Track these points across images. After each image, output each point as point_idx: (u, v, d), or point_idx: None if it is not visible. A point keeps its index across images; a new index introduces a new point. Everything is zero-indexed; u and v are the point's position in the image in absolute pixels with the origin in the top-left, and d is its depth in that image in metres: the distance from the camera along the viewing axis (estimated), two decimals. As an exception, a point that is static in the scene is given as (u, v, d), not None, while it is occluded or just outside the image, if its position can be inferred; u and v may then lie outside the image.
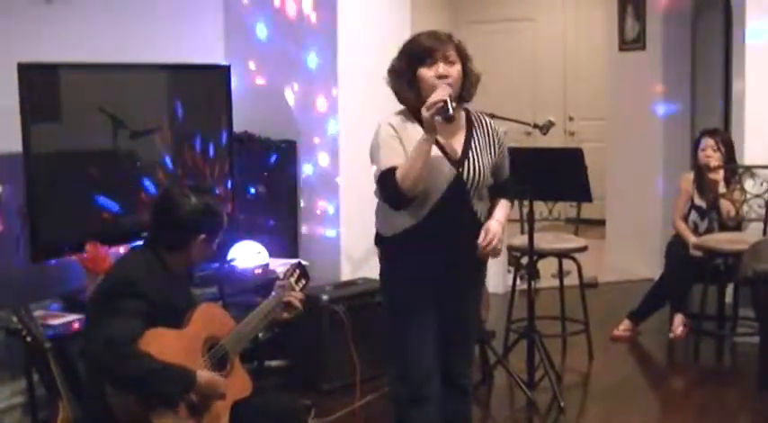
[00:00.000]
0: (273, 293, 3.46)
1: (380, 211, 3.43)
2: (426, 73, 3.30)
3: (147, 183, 4.55)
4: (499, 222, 3.39)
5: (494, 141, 3.45)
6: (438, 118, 3.16)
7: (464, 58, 3.37)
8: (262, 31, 5.64)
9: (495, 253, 3.35)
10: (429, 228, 3.30)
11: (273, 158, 5.48)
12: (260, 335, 3.46)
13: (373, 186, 3.41)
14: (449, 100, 3.15)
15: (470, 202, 3.36)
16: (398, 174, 3.19)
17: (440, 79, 3.27)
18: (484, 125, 3.46)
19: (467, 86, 3.37)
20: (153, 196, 4.43)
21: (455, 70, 3.31)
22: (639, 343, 5.86)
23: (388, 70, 3.41)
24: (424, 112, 3.16)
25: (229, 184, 5.05)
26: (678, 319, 5.71)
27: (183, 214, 3.22)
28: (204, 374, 3.09)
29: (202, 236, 3.22)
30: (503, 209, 3.48)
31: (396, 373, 3.50)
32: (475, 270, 3.54)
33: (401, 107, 3.41)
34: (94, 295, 3.30)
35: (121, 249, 4.25)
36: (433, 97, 3.17)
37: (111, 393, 3.00)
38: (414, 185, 3.18)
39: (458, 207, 3.33)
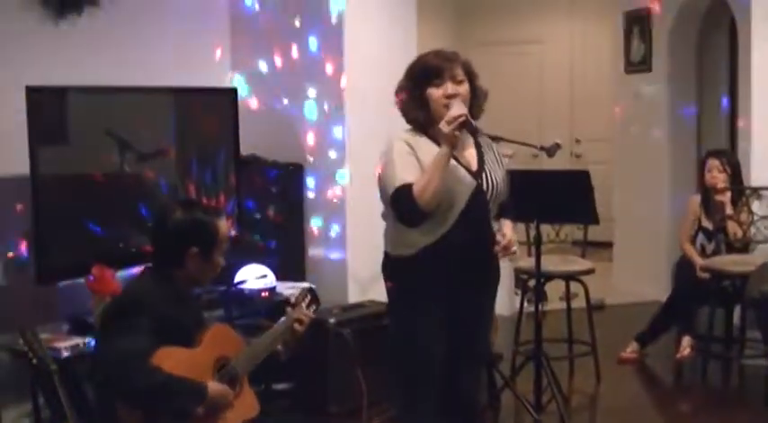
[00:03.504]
0: (285, 317, 3.46)
1: (393, 231, 3.41)
2: (435, 93, 3.33)
3: (152, 206, 4.55)
4: (509, 226, 3.48)
5: (498, 156, 3.51)
6: (456, 132, 3.20)
7: (471, 75, 3.40)
8: (269, 54, 5.66)
9: (513, 254, 3.41)
10: (450, 243, 3.30)
11: (280, 181, 5.49)
12: (281, 351, 3.45)
13: (380, 208, 3.41)
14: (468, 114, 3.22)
15: (489, 215, 3.39)
16: (416, 189, 3.20)
17: (448, 99, 3.29)
18: (486, 142, 3.53)
19: (475, 104, 3.41)
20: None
21: (463, 89, 3.34)
22: (647, 365, 5.83)
23: (396, 91, 3.44)
24: (444, 128, 3.19)
25: (236, 207, 5.05)
26: (686, 340, 5.68)
27: (169, 228, 3.24)
28: (215, 386, 3.11)
29: (194, 249, 3.21)
30: (510, 225, 3.53)
31: (404, 402, 3.49)
32: (491, 286, 3.55)
33: (408, 126, 3.43)
34: (106, 314, 3.30)
35: (128, 272, 4.25)
36: (453, 112, 3.21)
37: (123, 415, 3.00)
38: (432, 200, 3.19)
39: (478, 221, 3.35)
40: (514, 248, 3.37)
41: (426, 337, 3.38)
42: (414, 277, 3.37)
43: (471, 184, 3.34)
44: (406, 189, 3.22)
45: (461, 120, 3.19)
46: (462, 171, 3.33)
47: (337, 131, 5.46)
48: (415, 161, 3.29)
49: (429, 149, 3.30)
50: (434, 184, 3.19)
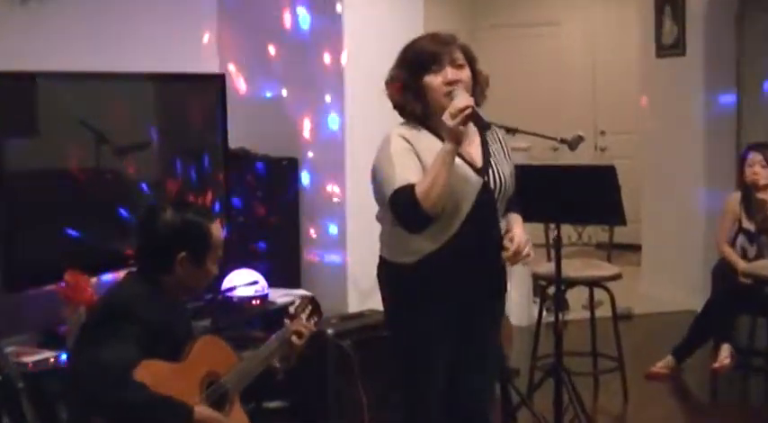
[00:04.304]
0: (282, 329, 3.47)
1: (392, 236, 3.39)
2: (434, 80, 3.29)
3: (133, 205, 4.55)
4: (519, 223, 3.43)
5: (504, 147, 3.49)
6: (462, 126, 3.14)
7: (471, 60, 3.37)
8: (260, 37, 5.67)
9: (527, 258, 3.33)
10: (456, 249, 3.28)
11: (272, 177, 5.50)
12: (277, 367, 3.46)
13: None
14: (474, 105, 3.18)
15: (498, 214, 3.38)
16: (419, 190, 3.14)
17: (449, 86, 3.27)
18: (491, 130, 3.48)
19: (477, 91, 3.37)
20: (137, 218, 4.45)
21: (465, 74, 3.31)
22: (680, 380, 5.84)
23: (388, 81, 3.40)
24: (449, 121, 3.13)
25: (224, 205, 5.07)
26: (724, 349, 5.63)
27: (157, 230, 3.25)
28: (203, 411, 3.10)
29: (183, 253, 3.22)
30: (519, 221, 3.49)
31: (406, 415, 3.50)
32: (499, 291, 3.55)
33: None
34: (87, 320, 3.32)
35: (104, 278, 4.26)
36: (458, 103, 3.15)
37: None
38: (437, 202, 3.15)
39: (486, 222, 3.34)
40: (527, 251, 3.31)
41: (429, 349, 3.39)
42: (415, 286, 3.36)
43: (477, 183, 3.31)
44: (407, 190, 3.17)
45: (468, 112, 3.14)
46: (467, 168, 3.30)
47: (336, 122, 5.47)
48: (415, 158, 3.26)
49: (429, 144, 3.27)
50: (439, 184, 3.13)
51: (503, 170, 3.39)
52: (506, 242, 3.31)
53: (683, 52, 7.52)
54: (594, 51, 10.22)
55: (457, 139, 3.16)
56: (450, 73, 3.28)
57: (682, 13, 7.48)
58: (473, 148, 3.38)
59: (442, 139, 3.23)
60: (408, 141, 3.29)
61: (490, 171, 3.35)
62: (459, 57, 3.32)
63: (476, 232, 3.30)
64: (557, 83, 10.25)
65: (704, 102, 7.39)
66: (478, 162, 3.36)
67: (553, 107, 10.07)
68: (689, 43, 7.47)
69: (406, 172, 3.22)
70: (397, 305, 3.46)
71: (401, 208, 3.21)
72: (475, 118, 3.19)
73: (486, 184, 3.33)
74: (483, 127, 3.31)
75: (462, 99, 3.18)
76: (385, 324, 3.60)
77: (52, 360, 3.91)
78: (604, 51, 10.13)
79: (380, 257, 3.50)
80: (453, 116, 3.13)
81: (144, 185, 4.67)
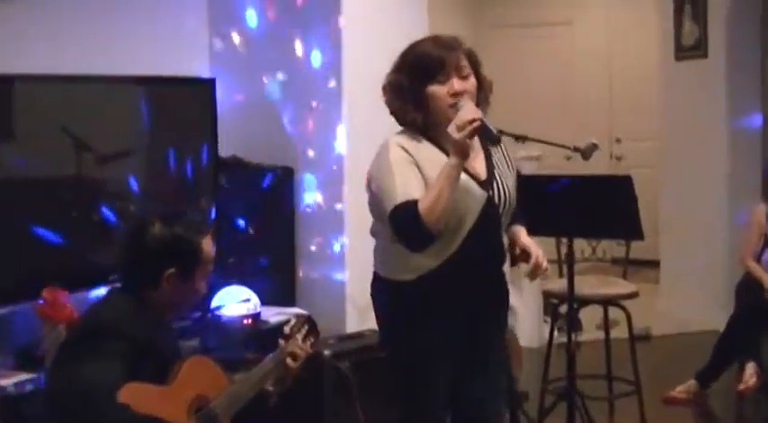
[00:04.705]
0: (277, 351, 3.46)
1: (389, 252, 3.39)
2: (439, 91, 3.28)
3: (116, 217, 4.56)
4: (529, 238, 3.47)
5: (507, 156, 3.50)
6: (469, 139, 3.14)
7: (476, 65, 3.36)
8: (253, 39, 5.67)
9: (545, 272, 3.39)
10: (457, 266, 3.29)
11: (266, 187, 5.50)
12: (271, 391, 3.45)
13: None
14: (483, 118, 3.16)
15: (501, 229, 3.39)
16: (422, 207, 3.13)
17: (454, 97, 3.26)
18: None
19: (482, 97, 3.37)
20: (122, 231, 4.44)
21: (470, 84, 3.30)
22: (702, 404, 5.82)
23: (386, 87, 3.39)
24: (455, 134, 3.11)
25: (213, 218, 5.06)
26: (750, 367, 5.63)
27: (145, 244, 3.24)
28: None
29: (171, 270, 3.22)
30: (524, 233, 3.51)
31: None
32: (502, 302, 3.57)
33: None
34: (67, 338, 3.31)
35: (85, 295, 4.25)
36: (465, 115, 3.14)
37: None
38: (441, 220, 3.14)
39: (489, 237, 3.34)
40: (545, 265, 3.35)
41: (430, 365, 3.39)
42: (415, 303, 3.36)
43: (482, 197, 3.31)
44: (410, 206, 3.15)
45: (476, 125, 3.12)
46: (470, 181, 3.29)
47: (335, 129, 5.46)
48: (415, 170, 3.25)
49: (430, 155, 3.27)
50: (444, 201, 3.12)
51: (507, 183, 3.40)
52: (523, 256, 3.38)
53: (705, 54, 7.51)
54: (610, 53, 10.23)
55: (463, 152, 3.15)
56: (456, 84, 3.27)
57: (703, 13, 7.48)
58: (477, 160, 3.37)
59: (445, 151, 3.24)
60: (408, 152, 3.28)
61: (495, 184, 3.35)
62: (465, 65, 3.31)
63: (478, 247, 3.31)
64: (569, 87, 10.26)
65: (728, 106, 7.38)
66: (482, 174, 3.36)
67: (565, 113, 10.08)
68: (711, 44, 7.47)
69: (407, 186, 3.21)
70: (396, 322, 3.46)
71: (403, 225, 3.21)
72: (483, 131, 3.18)
73: (490, 198, 3.32)
74: (492, 141, 3.30)
75: (469, 110, 3.17)
76: (381, 342, 3.60)
77: (29, 383, 3.90)
78: (620, 53, 10.13)
79: (375, 274, 3.50)
80: (460, 129, 3.12)
81: (127, 197, 4.65)
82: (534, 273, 3.36)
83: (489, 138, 3.25)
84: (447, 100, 3.26)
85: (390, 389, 3.58)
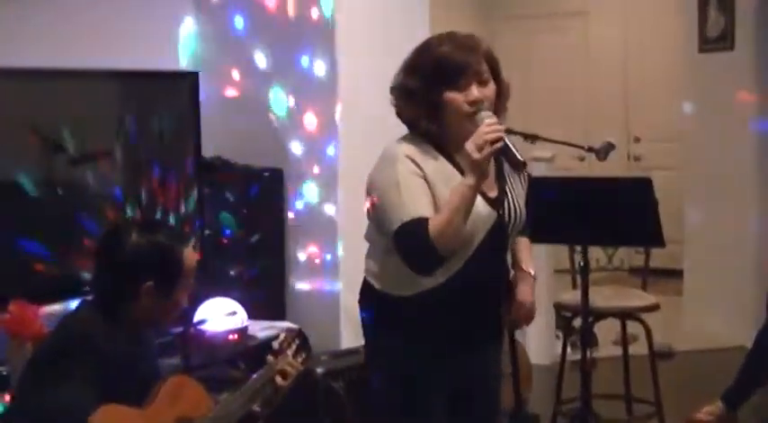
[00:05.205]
0: (265, 368, 3.45)
1: (385, 266, 3.37)
2: (456, 98, 3.20)
3: (90, 223, 4.55)
4: (529, 283, 3.52)
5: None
6: (479, 156, 3.06)
7: (495, 68, 3.29)
8: (241, 29, 5.67)
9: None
10: (458, 284, 3.27)
11: (254, 191, 5.49)
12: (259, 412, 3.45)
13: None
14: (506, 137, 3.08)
15: (507, 247, 3.39)
16: (433, 228, 3.08)
17: (472, 105, 3.20)
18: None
19: (500, 106, 3.31)
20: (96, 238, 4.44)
21: (490, 91, 3.24)
22: (729, 426, 5.81)
23: (396, 89, 3.31)
24: (475, 153, 3.04)
25: (197, 224, 5.05)
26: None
27: (122, 254, 3.23)
28: None
29: (149, 283, 3.21)
30: (528, 252, 3.57)
31: None
32: (502, 329, 3.59)
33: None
34: (35, 356, 3.29)
35: (54, 308, 4.24)
36: (487, 133, 3.05)
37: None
38: (453, 244, 3.11)
39: (492, 256, 3.33)
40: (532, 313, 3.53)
41: (428, 378, 3.38)
42: (409, 321, 3.34)
43: (491, 217, 3.28)
44: (421, 225, 3.10)
45: (498, 146, 3.05)
46: (480, 200, 3.22)
47: (329, 128, 5.46)
48: (424, 185, 3.19)
49: (440, 167, 3.23)
50: (456, 224, 3.08)
51: (518, 201, 3.37)
52: (515, 309, 3.51)
53: (731, 46, 7.51)
54: (627, 44, 10.24)
55: (481, 172, 3.09)
56: (475, 91, 3.20)
57: (730, 2, 7.47)
58: (488, 175, 3.28)
59: (457, 166, 3.20)
60: (417, 164, 3.21)
61: (506, 203, 3.33)
62: (485, 69, 3.23)
63: (480, 268, 3.29)
64: (584, 82, 10.28)
65: (756, 103, 7.38)
66: (493, 191, 3.32)
67: (579, 110, 10.11)
68: (738, 36, 7.46)
69: (415, 201, 3.15)
70: (389, 336, 3.43)
71: (410, 246, 3.16)
72: (505, 153, 3.12)
73: (500, 217, 3.30)
74: (515, 167, 3.22)
75: (490, 127, 3.08)
76: (367, 355, 3.61)
77: (-6, 405, 3.90)
78: (639, 44, 10.14)
79: (366, 281, 3.47)
80: (480, 148, 3.05)
81: (102, 202, 4.65)
82: (523, 321, 3.54)
83: (511, 162, 3.18)
84: (464, 108, 3.19)
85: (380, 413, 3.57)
